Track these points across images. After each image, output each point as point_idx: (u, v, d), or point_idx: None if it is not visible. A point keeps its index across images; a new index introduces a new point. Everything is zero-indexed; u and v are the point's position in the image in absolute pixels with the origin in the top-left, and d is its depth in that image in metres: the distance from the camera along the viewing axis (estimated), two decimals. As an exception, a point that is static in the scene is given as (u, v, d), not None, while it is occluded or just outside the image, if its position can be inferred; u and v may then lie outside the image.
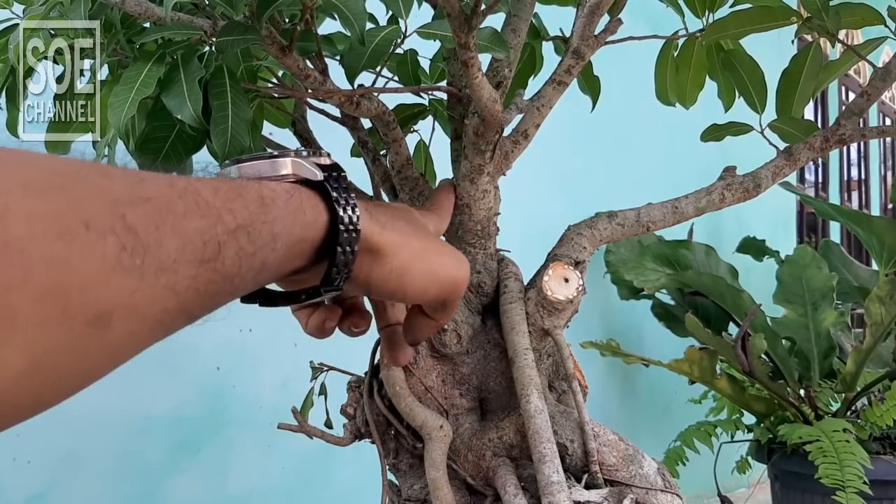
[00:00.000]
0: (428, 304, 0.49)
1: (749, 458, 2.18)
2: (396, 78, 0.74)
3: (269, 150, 0.42)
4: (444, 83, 0.72)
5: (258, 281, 0.36)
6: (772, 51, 0.95)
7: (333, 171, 0.41)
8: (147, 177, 0.31)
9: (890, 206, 5.00)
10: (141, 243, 0.28)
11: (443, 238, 0.64)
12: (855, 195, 5.05)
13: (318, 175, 0.41)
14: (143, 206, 0.29)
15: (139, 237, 0.28)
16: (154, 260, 0.29)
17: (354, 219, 0.40)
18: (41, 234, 0.25)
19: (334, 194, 0.40)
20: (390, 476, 0.67)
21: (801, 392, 2.09)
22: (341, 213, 0.40)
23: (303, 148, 0.43)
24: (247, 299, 0.43)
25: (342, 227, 0.40)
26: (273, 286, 0.45)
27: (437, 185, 0.67)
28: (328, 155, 0.43)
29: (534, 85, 0.75)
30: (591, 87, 0.85)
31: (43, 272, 0.25)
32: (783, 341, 2.16)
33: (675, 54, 0.80)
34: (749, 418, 2.20)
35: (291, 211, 0.37)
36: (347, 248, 0.40)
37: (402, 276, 0.44)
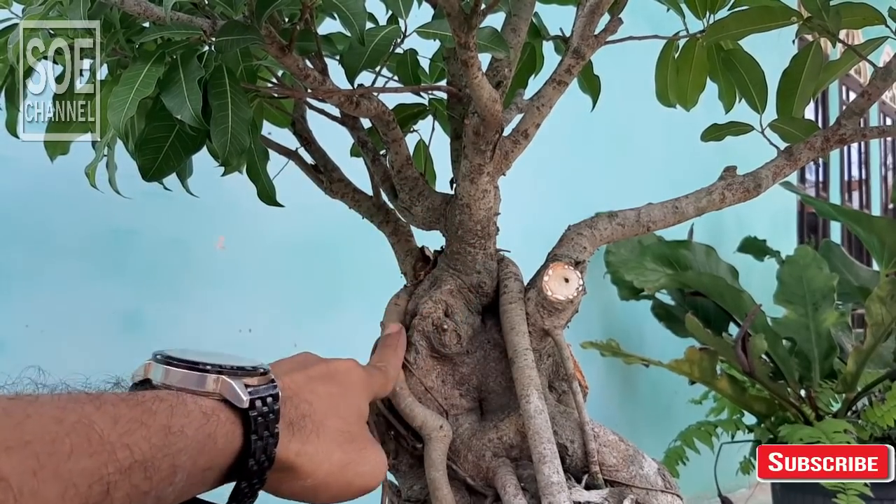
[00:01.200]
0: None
1: (750, 459, 2.18)
2: (396, 77, 0.74)
3: (201, 362, 0.39)
4: (443, 83, 0.72)
5: None
6: (772, 51, 0.94)
7: (262, 396, 0.39)
8: (34, 412, 0.30)
9: (891, 206, 5.00)
10: (13, 495, 0.27)
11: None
12: (856, 195, 5.05)
13: (244, 404, 0.38)
14: (21, 451, 0.28)
15: (11, 489, 0.27)
16: None
17: (269, 449, 0.39)
18: None
19: (253, 432, 0.38)
20: (390, 476, 0.67)
21: (802, 392, 2.09)
22: (255, 446, 0.38)
23: (238, 363, 0.40)
24: None
25: (252, 461, 0.38)
26: None
27: (383, 334, 0.63)
28: (265, 372, 0.41)
29: (534, 84, 0.75)
30: (592, 86, 0.84)
31: None
32: (784, 342, 2.16)
33: (676, 55, 0.80)
34: (749, 419, 2.20)
35: (201, 439, 0.35)
36: (255, 482, 0.39)
37: (316, 491, 0.43)
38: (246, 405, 0.38)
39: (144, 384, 0.39)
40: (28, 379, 0.35)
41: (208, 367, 0.38)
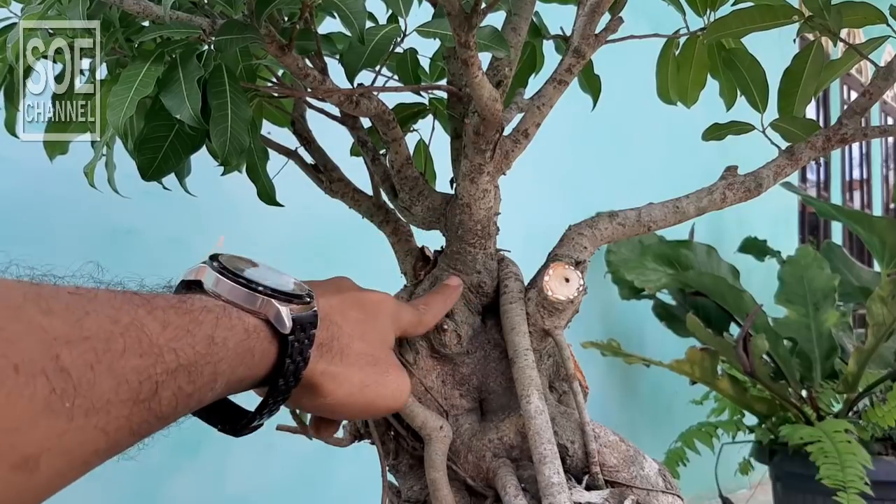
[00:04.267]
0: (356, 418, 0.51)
1: (751, 459, 2.18)
2: (396, 77, 0.74)
3: (253, 282, 0.41)
4: (444, 82, 0.71)
5: (188, 412, 0.36)
6: (773, 50, 0.94)
7: (305, 324, 0.41)
8: (92, 310, 0.31)
9: (892, 206, 4.99)
10: (73, 384, 0.28)
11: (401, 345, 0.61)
12: (857, 195, 5.04)
13: (287, 327, 0.40)
14: (80, 345, 0.29)
15: (71, 378, 0.28)
16: (85, 401, 0.28)
17: (299, 368, 0.40)
18: None
19: (288, 357, 0.40)
20: (390, 477, 0.67)
21: (803, 393, 2.09)
22: (287, 366, 0.40)
23: (288, 288, 0.42)
24: None
25: (281, 381, 0.40)
26: None
27: (443, 282, 0.64)
28: (310, 298, 0.43)
29: (534, 84, 0.75)
30: (592, 86, 0.84)
31: None
32: (785, 342, 2.15)
33: (677, 53, 0.80)
34: (750, 419, 2.20)
35: (241, 353, 0.37)
36: (280, 398, 0.41)
37: (333, 408, 0.45)
38: (287, 331, 0.40)
39: (194, 285, 0.41)
40: (87, 275, 0.38)
41: (259, 289, 0.40)
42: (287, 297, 0.41)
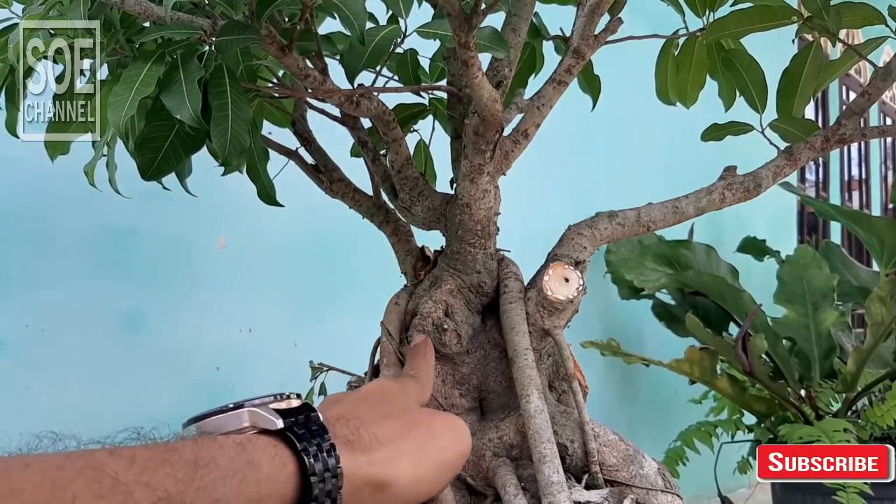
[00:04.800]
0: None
1: (750, 458, 2.18)
2: (396, 77, 0.74)
3: (229, 405, 0.37)
4: (444, 83, 0.71)
5: None
6: (772, 50, 0.94)
7: (299, 414, 0.37)
8: (34, 462, 0.27)
9: (890, 206, 5.00)
10: None
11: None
12: (856, 195, 5.04)
13: (278, 423, 0.36)
14: (8, 501, 0.26)
15: None
16: None
17: (331, 464, 0.36)
18: None
19: (299, 443, 0.35)
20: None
21: (802, 392, 2.09)
22: (310, 461, 0.35)
23: (268, 395, 0.39)
24: None
25: (314, 478, 0.35)
26: None
27: (411, 345, 0.63)
28: (297, 396, 0.39)
29: (534, 84, 0.75)
30: (592, 86, 0.84)
31: None
32: (784, 341, 2.16)
33: (676, 53, 0.80)
34: (749, 418, 2.20)
35: (240, 467, 0.33)
36: (327, 500, 0.36)
37: (415, 490, 0.40)
38: (280, 426, 0.36)
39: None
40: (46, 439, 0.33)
41: (230, 406, 0.37)
42: (265, 400, 0.38)
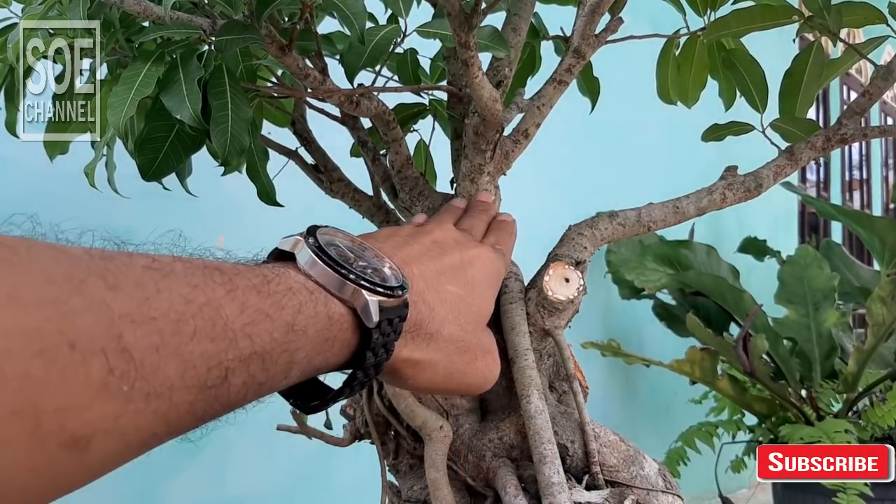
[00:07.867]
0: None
1: (744, 458, 2.18)
2: (396, 77, 0.74)
3: (346, 267, 0.38)
4: (444, 82, 0.71)
5: (258, 398, 0.34)
6: (773, 50, 0.94)
7: (393, 315, 0.38)
8: (164, 288, 0.29)
9: (892, 206, 5.00)
10: (134, 366, 0.26)
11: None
12: (857, 195, 5.05)
13: (373, 321, 0.37)
14: (146, 325, 0.27)
15: (133, 360, 0.26)
16: (146, 385, 0.27)
17: (382, 362, 0.38)
18: (18, 351, 0.23)
19: (370, 349, 0.37)
20: (390, 477, 0.67)
21: (803, 393, 2.09)
22: (370, 356, 0.37)
23: (392, 277, 0.39)
24: None
25: (360, 374, 0.38)
26: None
27: (486, 208, 0.61)
28: (402, 291, 0.39)
29: (533, 84, 0.75)
30: (591, 88, 0.84)
31: (14, 390, 0.23)
32: (784, 342, 2.16)
33: (677, 53, 0.80)
34: (750, 419, 2.20)
35: (320, 342, 0.35)
36: (358, 387, 0.38)
37: (411, 389, 0.43)
38: (373, 325, 0.37)
39: (286, 256, 0.39)
40: (171, 242, 0.36)
41: (351, 277, 0.37)
42: (379, 289, 0.38)
